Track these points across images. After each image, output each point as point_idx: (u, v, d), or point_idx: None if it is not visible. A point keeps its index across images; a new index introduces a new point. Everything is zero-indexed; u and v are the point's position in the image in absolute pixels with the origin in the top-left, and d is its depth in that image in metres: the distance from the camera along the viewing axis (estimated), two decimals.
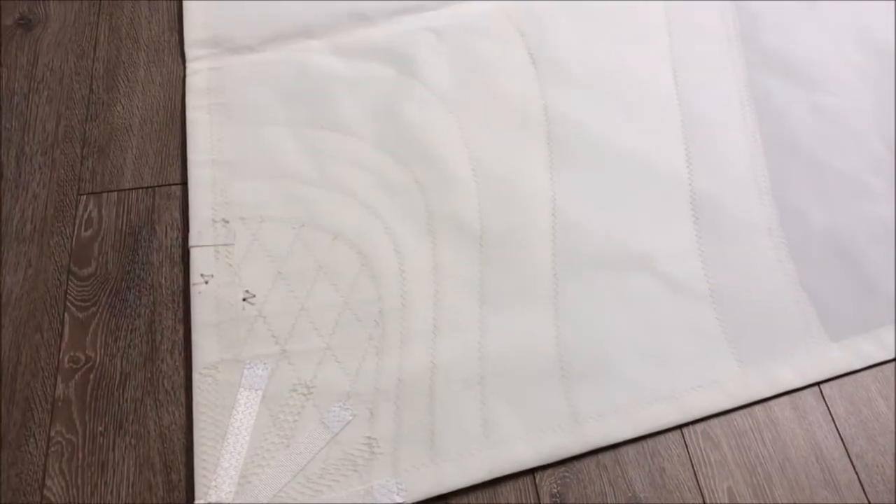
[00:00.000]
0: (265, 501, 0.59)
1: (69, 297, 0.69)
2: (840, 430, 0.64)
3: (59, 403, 0.64)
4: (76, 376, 0.66)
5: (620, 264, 0.71)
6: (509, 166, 0.77)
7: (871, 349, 0.67)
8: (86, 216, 0.74)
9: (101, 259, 0.71)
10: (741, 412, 0.65)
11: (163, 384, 0.66)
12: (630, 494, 0.62)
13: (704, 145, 0.78)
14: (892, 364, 0.67)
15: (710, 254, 0.72)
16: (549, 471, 0.63)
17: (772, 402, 0.66)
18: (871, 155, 0.78)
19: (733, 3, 0.89)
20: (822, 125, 0.79)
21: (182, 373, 0.66)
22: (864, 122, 0.80)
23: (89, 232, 0.73)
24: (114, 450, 0.63)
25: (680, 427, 0.64)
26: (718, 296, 0.70)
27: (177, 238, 0.73)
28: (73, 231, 0.73)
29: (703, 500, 0.62)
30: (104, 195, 0.75)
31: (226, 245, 0.71)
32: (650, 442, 0.64)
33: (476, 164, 0.77)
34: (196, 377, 0.65)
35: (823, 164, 0.77)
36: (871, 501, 0.62)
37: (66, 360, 0.66)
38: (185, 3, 0.88)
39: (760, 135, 0.79)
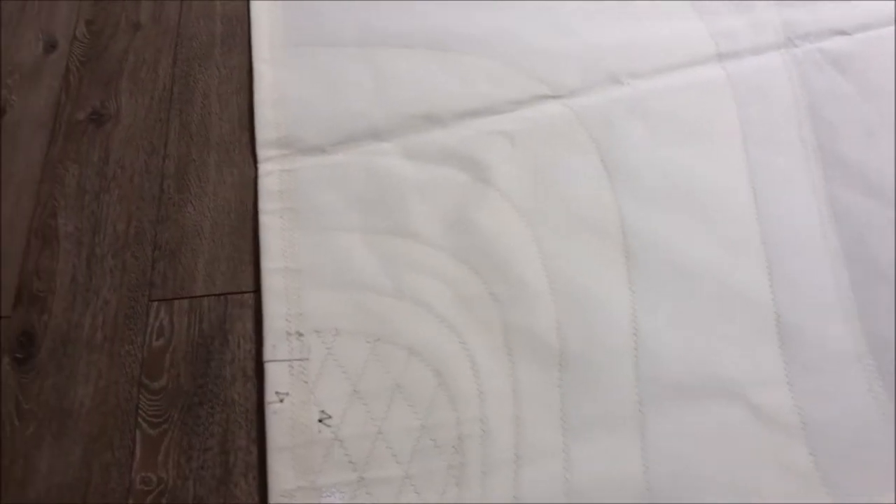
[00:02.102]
0: None
1: (140, 413, 0.68)
2: None
3: None
4: (148, 499, 0.64)
5: (707, 392, 0.69)
6: (587, 281, 0.75)
7: None
8: (157, 324, 0.72)
9: (172, 371, 0.70)
10: None
11: None
12: None
13: (786, 264, 0.76)
14: None
15: (798, 382, 0.69)
16: None
17: None
18: None
19: (809, 113, 0.88)
20: None
21: (256, 498, 0.64)
22: None
23: (160, 341, 0.72)
24: None
25: None
26: (811, 430, 0.67)
27: (250, 350, 0.71)
28: (145, 340, 0.72)
29: None
30: (175, 302, 0.74)
31: (300, 360, 0.70)
32: None
33: (553, 276, 0.75)
34: None
35: None
36: None
37: (137, 480, 0.64)
38: (256, 102, 0.88)
39: (844, 255, 0.77)
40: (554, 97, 0.89)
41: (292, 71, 0.91)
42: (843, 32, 0.96)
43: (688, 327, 0.73)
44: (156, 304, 0.74)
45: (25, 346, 0.71)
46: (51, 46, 0.94)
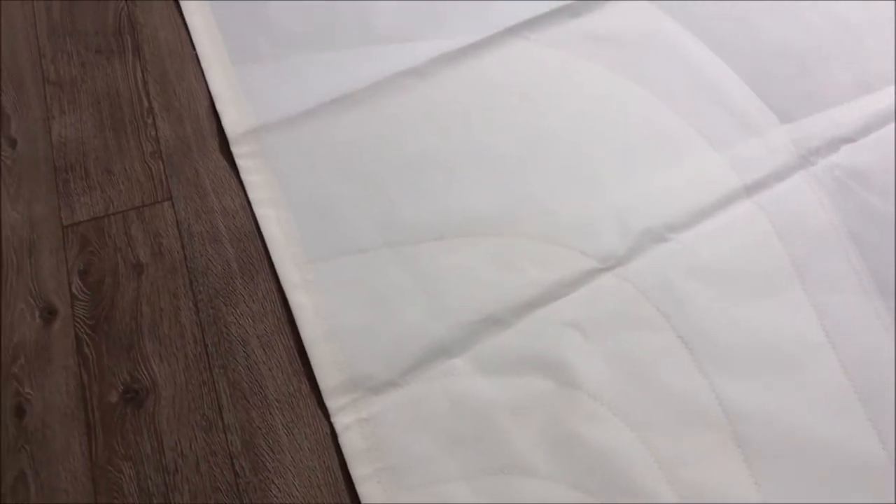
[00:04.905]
0: None
1: None
2: None
3: None
4: None
5: None
6: (713, 486, 0.73)
7: None
8: None
9: None
10: None
11: None
12: None
13: (889, 418, 0.77)
14: None
15: None
16: None
17: None
18: None
19: (851, 240, 0.89)
20: None
21: None
22: None
23: None
24: None
25: None
26: None
27: None
28: None
29: None
30: None
31: None
32: None
33: (680, 489, 0.73)
34: None
35: None
36: None
37: None
38: (305, 341, 0.81)
39: None
40: (605, 269, 0.87)
41: (331, 293, 0.85)
42: (849, 140, 0.98)
43: None
44: None
45: None
46: (49, 314, 0.83)
